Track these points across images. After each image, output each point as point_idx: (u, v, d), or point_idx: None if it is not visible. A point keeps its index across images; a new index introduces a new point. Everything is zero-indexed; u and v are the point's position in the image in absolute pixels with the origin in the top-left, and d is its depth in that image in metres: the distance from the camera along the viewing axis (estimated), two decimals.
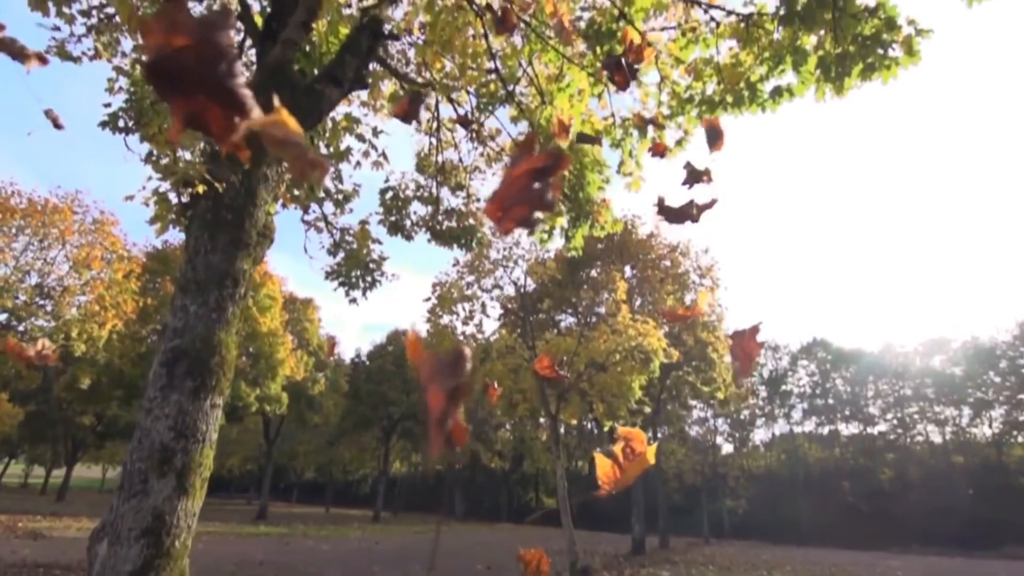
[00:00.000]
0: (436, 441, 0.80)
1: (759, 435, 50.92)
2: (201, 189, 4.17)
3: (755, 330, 2.25)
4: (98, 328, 23.56)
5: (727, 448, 47.72)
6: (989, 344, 42.96)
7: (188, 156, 7.22)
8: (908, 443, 46.48)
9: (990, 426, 43.32)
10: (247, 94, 0.82)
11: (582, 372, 13.30)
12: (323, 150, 9.22)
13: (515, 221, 1.05)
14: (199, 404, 3.86)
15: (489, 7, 7.01)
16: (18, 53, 1.73)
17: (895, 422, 47.69)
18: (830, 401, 50.48)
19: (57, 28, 8.21)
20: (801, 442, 48.55)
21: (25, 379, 30.46)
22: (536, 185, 0.99)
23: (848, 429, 49.78)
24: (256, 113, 0.81)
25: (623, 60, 4.55)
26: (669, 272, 19.83)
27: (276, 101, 0.79)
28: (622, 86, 4.65)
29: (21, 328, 25.19)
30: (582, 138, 6.82)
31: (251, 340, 26.41)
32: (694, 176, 3.31)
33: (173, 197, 4.71)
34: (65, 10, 7.76)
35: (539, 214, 1.03)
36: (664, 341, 12.99)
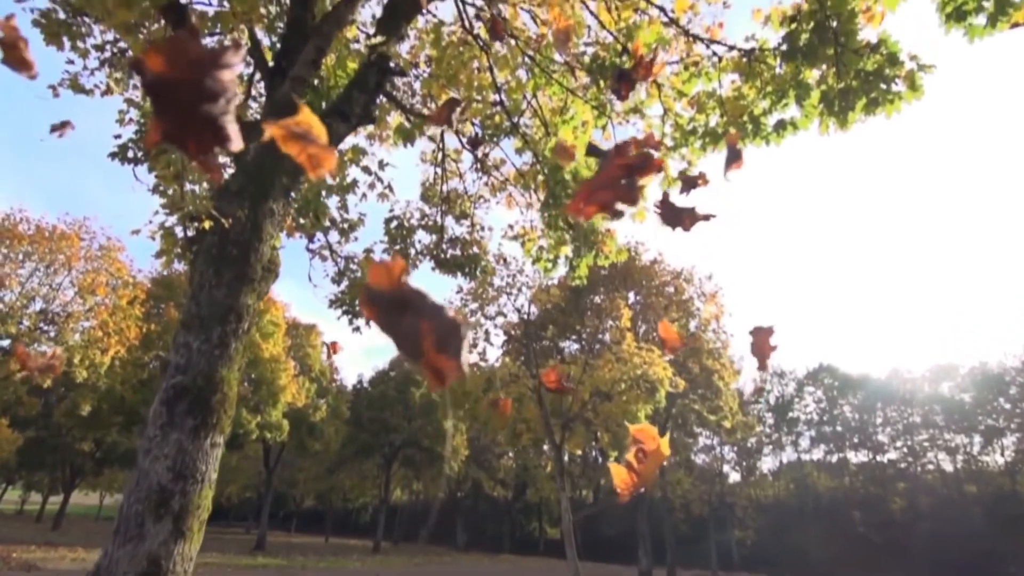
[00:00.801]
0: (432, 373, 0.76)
1: (767, 463, 50.04)
2: (207, 224, 4.18)
3: (770, 331, 2.27)
4: (100, 354, 23.49)
5: (734, 477, 46.85)
6: (998, 370, 42.44)
7: (196, 189, 7.28)
8: (919, 472, 45.59)
9: (1002, 454, 42.51)
10: (235, 130, 0.82)
11: (587, 401, 13.14)
12: (329, 181, 9.30)
13: (599, 206, 1.07)
14: (199, 443, 3.79)
15: (493, 23, 7.14)
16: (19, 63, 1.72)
17: (905, 450, 46.88)
18: (838, 428, 49.74)
19: (71, 62, 8.40)
20: (810, 470, 47.66)
21: (26, 405, 30.31)
22: (624, 181, 1.03)
23: (857, 457, 48.93)
24: (238, 145, 0.81)
25: (630, 73, 4.58)
26: (673, 298, 19.76)
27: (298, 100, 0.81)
28: (625, 96, 4.72)
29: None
30: (591, 151, 6.92)
31: (253, 366, 26.30)
32: (689, 183, 3.34)
33: (179, 231, 4.72)
34: (79, 44, 7.93)
35: (623, 206, 1.07)
36: (670, 370, 12.87)
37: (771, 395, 51.62)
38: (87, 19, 7.64)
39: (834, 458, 49.51)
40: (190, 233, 4.62)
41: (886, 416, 48.60)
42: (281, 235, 5.23)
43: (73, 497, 43.21)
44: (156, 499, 3.56)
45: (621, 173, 1.00)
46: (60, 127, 7.31)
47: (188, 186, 4.76)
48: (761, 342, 2.14)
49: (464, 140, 8.83)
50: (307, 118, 0.73)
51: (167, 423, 3.78)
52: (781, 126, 6.04)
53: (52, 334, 25.24)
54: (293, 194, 5.14)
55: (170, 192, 4.35)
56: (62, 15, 7.34)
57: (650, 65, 4.99)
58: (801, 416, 50.52)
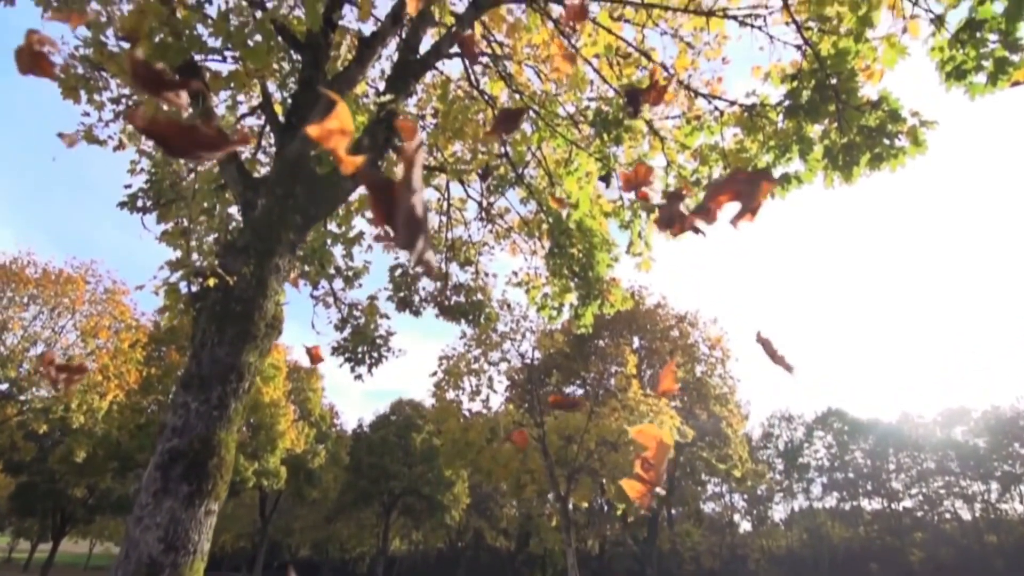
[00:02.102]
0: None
1: (778, 512, 48.44)
2: (212, 282, 4.14)
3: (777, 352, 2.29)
4: (99, 399, 23.23)
5: (745, 526, 45.28)
6: (1011, 414, 41.59)
7: (204, 238, 7.31)
8: (936, 521, 44.04)
9: (1021, 502, 41.13)
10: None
11: (593, 450, 12.80)
12: (334, 229, 9.36)
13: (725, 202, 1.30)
14: (193, 512, 3.63)
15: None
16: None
17: (920, 498, 45.44)
18: (850, 474, 48.39)
19: (86, 114, 8.61)
20: (823, 519, 46.07)
21: (21, 450, 29.78)
22: (743, 189, 1.27)
23: (871, 505, 47.39)
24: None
25: (641, 94, 4.60)
26: (678, 343, 19.57)
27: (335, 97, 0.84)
28: (634, 115, 4.74)
29: (22, 398, 24.93)
30: (603, 179, 7.05)
31: (252, 411, 25.93)
32: (675, 197, 3.37)
33: (183, 286, 4.68)
34: (96, 97, 8.14)
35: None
36: (677, 419, 12.58)
37: (779, 440, 50.52)
38: (104, 73, 7.87)
39: (847, 506, 47.97)
40: (194, 289, 4.58)
41: (899, 462, 47.38)
42: (285, 287, 5.20)
43: (63, 545, 41.89)
44: (146, 572, 3.38)
45: (741, 185, 1.24)
46: (70, 136, 7.42)
47: (194, 241, 4.75)
48: (775, 356, 2.16)
49: (478, 173, 8.89)
50: (343, 116, 0.79)
51: (161, 489, 3.64)
52: (786, 180, 6.07)
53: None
54: (299, 249, 5.13)
55: (177, 251, 4.34)
56: (80, 70, 7.57)
57: (663, 90, 5.04)
58: (811, 462, 49.27)
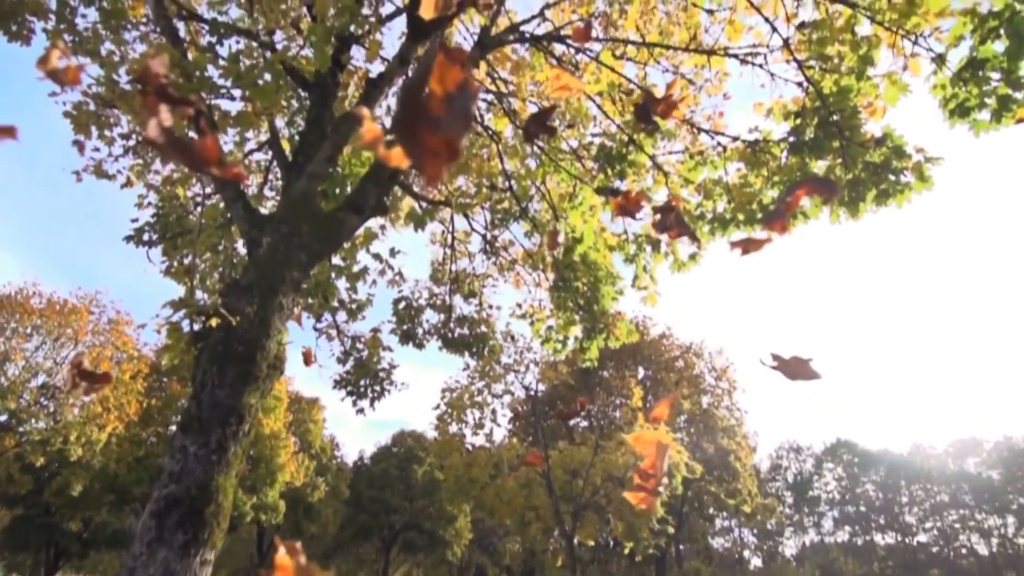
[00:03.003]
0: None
1: (789, 548, 47.12)
2: (215, 322, 4.09)
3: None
4: (98, 431, 22.97)
5: (755, 562, 43.99)
6: None
7: (209, 275, 7.31)
8: (952, 556, 42.73)
9: None
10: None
11: (599, 486, 12.51)
12: (339, 262, 9.36)
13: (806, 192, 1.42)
14: (188, 562, 3.50)
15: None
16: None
17: (935, 532, 44.22)
18: (861, 508, 47.24)
19: (97, 149, 8.72)
20: (835, 555, 44.75)
21: (17, 483, 29.36)
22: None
23: (884, 539, 46.11)
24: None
25: (651, 107, 4.59)
26: (683, 374, 19.34)
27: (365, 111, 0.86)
28: (646, 125, 4.73)
29: (21, 429, 24.68)
30: (602, 191, 7.02)
31: (252, 443, 25.59)
32: (667, 208, 3.42)
33: (186, 325, 4.63)
34: (107, 133, 8.27)
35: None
36: (685, 454, 12.31)
37: (788, 472, 49.52)
38: (116, 110, 8.00)
39: (860, 540, 46.68)
40: (196, 327, 4.53)
41: (911, 494, 46.30)
42: (288, 324, 5.15)
43: None
44: None
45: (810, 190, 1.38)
46: (79, 145, 7.49)
47: (197, 280, 4.72)
48: (792, 367, 2.11)
49: (471, 226, 8.89)
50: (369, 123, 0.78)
51: (156, 539, 3.51)
52: (791, 215, 6.06)
53: (51, 409, 24.84)
54: (303, 285, 5.10)
55: (181, 288, 4.31)
56: (92, 107, 7.70)
57: (674, 104, 5.04)
58: (822, 495, 48.19)
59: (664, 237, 8.03)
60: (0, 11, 6.74)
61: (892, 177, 5.32)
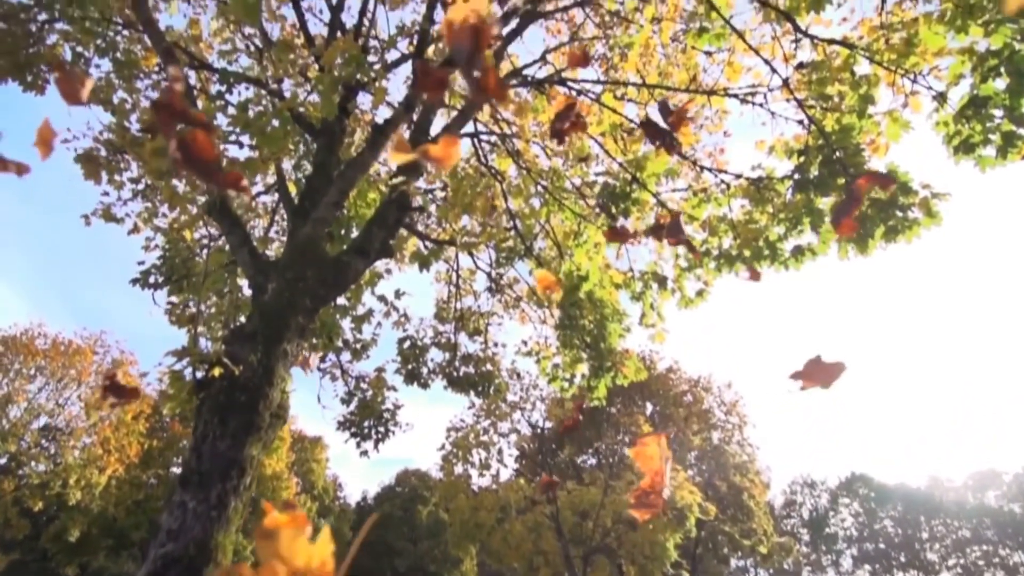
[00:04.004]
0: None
1: None
2: (218, 371, 4.02)
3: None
4: (98, 473, 22.61)
5: None
6: None
7: (213, 323, 7.27)
8: None
9: None
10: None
11: (610, 528, 12.11)
12: (343, 302, 9.33)
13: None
14: None
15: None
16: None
17: (959, 570, 42.56)
18: (880, 545, 45.66)
19: (106, 193, 8.83)
20: None
21: (14, 527, 28.77)
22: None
23: None
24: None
25: (669, 114, 4.54)
26: (692, 409, 19.00)
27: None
28: (661, 146, 4.71)
29: (21, 472, 24.33)
30: (602, 207, 7.01)
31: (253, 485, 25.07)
32: (657, 228, 3.46)
33: (189, 373, 4.56)
34: (116, 178, 8.38)
35: None
36: (698, 494, 11.96)
37: (803, 508, 48.12)
38: (126, 155, 8.13)
39: None
40: (199, 374, 4.46)
41: (932, 530, 44.80)
42: (291, 371, 5.07)
43: None
44: None
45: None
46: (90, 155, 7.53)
47: (201, 327, 4.68)
48: (817, 372, 2.03)
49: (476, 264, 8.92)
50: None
51: None
52: (799, 252, 6.02)
53: (52, 451, 24.54)
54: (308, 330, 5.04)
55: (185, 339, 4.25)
56: (103, 152, 7.82)
57: (682, 116, 5.01)
58: (839, 531, 46.65)
59: (671, 274, 8.00)
60: (16, 63, 6.91)
61: (899, 213, 5.29)
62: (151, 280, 8.96)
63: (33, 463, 23.99)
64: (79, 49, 7.05)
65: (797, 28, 5.78)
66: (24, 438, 23.89)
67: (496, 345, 10.89)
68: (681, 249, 7.76)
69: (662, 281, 7.66)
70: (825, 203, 6.03)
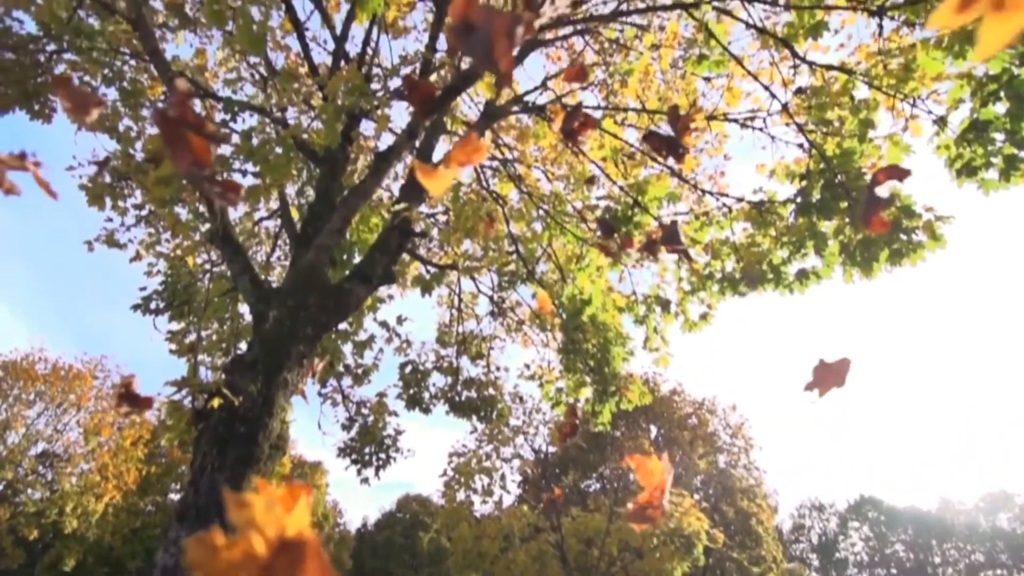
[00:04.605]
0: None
1: None
2: (217, 403, 3.96)
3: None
4: (95, 501, 22.29)
5: None
6: None
7: (213, 352, 7.22)
8: None
9: None
10: None
11: (616, 557, 11.83)
12: (345, 326, 9.28)
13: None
14: None
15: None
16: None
17: None
18: (893, 570, 44.66)
19: (109, 219, 8.86)
20: None
21: (9, 556, 28.31)
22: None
23: None
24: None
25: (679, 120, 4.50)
26: (697, 432, 18.76)
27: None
28: (666, 156, 4.67)
29: (17, 500, 24.00)
30: (604, 228, 6.99)
31: None
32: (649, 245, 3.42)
33: (188, 403, 4.50)
34: (120, 204, 8.42)
35: None
36: (705, 521, 11.71)
37: (812, 532, 47.20)
38: (130, 182, 8.18)
39: None
40: (198, 404, 4.40)
41: (944, 554, 43.86)
42: (292, 402, 5.00)
43: None
44: None
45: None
46: (102, 164, 7.53)
47: (203, 356, 4.63)
48: (829, 373, 1.93)
49: (478, 288, 8.90)
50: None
51: None
52: (804, 276, 5.98)
53: (49, 477, 24.24)
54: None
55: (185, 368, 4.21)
56: (108, 179, 7.88)
57: (688, 121, 4.99)
58: (849, 556, 45.69)
59: (674, 297, 7.96)
60: (24, 91, 7.00)
61: (904, 236, 5.27)
62: (152, 306, 8.94)
63: (29, 490, 23.68)
64: (86, 78, 7.14)
65: (795, 54, 5.84)
66: (21, 464, 23.63)
67: (498, 369, 10.79)
68: (684, 272, 7.74)
69: (665, 305, 7.61)
70: (828, 227, 6.02)
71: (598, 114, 7.64)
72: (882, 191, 5.24)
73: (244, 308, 8.39)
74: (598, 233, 8.09)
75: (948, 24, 0.79)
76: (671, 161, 7.48)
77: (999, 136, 4.78)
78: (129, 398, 2.44)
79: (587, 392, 9.05)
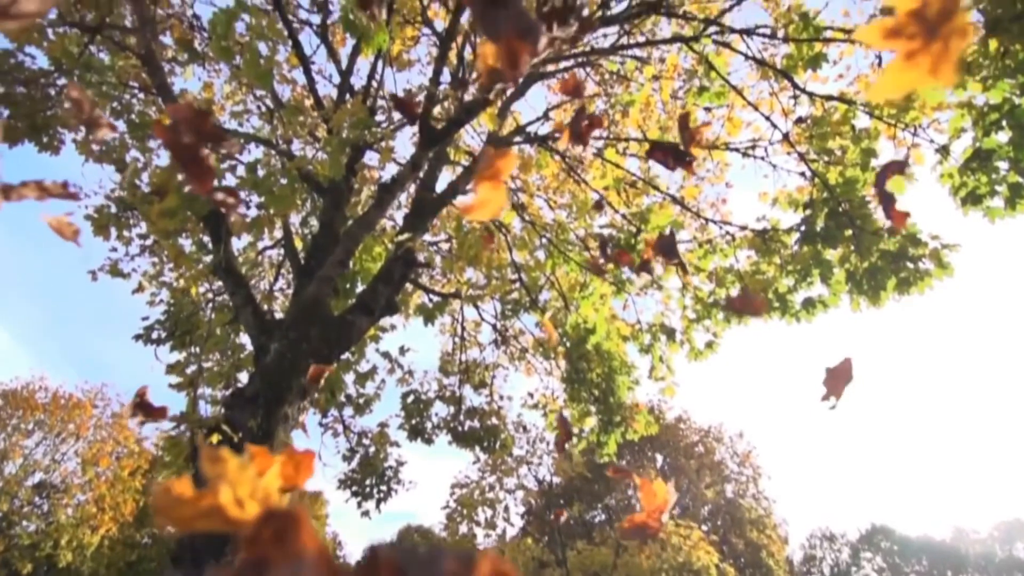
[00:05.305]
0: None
1: None
2: (216, 439, 3.88)
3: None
4: (90, 533, 21.84)
5: None
6: None
7: (214, 385, 7.16)
8: None
9: None
10: None
11: None
12: (348, 356, 9.20)
13: None
14: None
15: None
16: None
17: None
18: None
19: (114, 249, 8.89)
20: None
21: None
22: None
23: None
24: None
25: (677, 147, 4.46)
26: (704, 460, 18.42)
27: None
28: (673, 166, 4.62)
29: (12, 532, 23.55)
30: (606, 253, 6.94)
31: None
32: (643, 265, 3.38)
33: (187, 438, 4.42)
34: (125, 234, 8.46)
35: None
36: (715, 554, 11.38)
37: (823, 563, 45.90)
38: (135, 212, 8.23)
39: None
40: (197, 441, 4.31)
41: None
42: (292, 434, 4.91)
43: None
44: None
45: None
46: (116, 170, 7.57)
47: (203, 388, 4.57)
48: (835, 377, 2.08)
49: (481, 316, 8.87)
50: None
51: None
52: (810, 304, 5.93)
53: (44, 509, 23.81)
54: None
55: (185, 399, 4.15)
56: (113, 209, 7.93)
57: (696, 134, 4.96)
58: None
59: (679, 326, 7.89)
60: (34, 125, 7.10)
61: (910, 265, 5.23)
62: (154, 336, 8.90)
63: (24, 522, 23.26)
64: (96, 112, 7.23)
65: (795, 85, 5.90)
66: (17, 496, 23.26)
67: (502, 398, 10.67)
68: (688, 299, 7.69)
69: (670, 333, 7.54)
70: (833, 255, 5.99)
71: (600, 143, 7.71)
72: (884, 217, 5.12)
73: (246, 338, 8.35)
74: (601, 260, 8.08)
75: (889, 94, 0.82)
76: (678, 171, 7.52)
77: (1003, 165, 4.78)
78: (144, 408, 2.48)
79: (592, 422, 8.91)
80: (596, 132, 7.86)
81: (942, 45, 0.75)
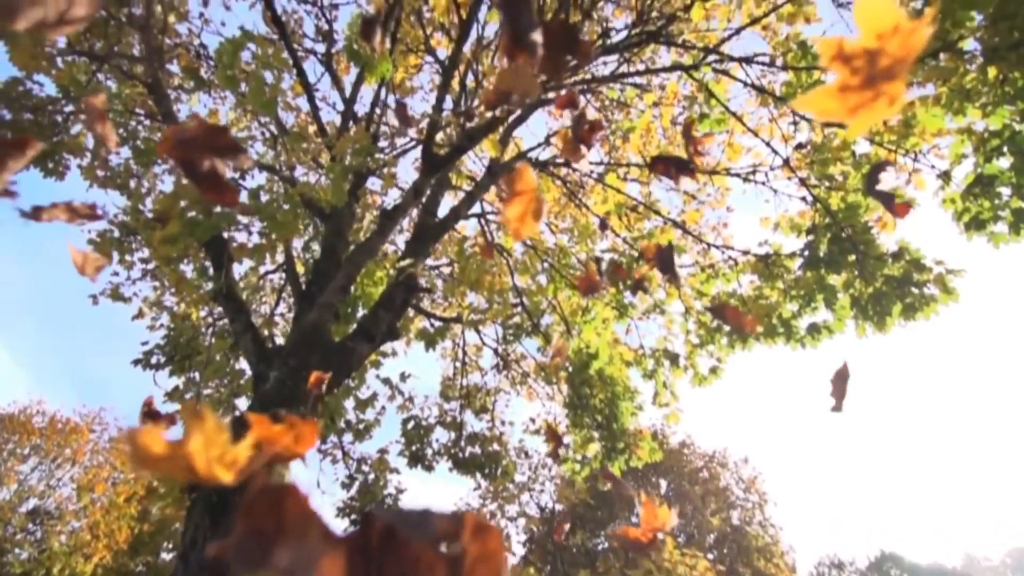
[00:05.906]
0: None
1: None
2: None
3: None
4: (83, 562, 21.41)
5: None
6: None
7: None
8: None
9: None
10: None
11: None
12: (347, 381, 9.11)
13: None
14: None
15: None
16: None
17: None
18: None
19: (116, 273, 8.89)
20: None
21: None
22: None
23: None
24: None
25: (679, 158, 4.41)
26: (708, 486, 18.12)
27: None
28: (676, 177, 4.55)
29: (5, 559, 23.10)
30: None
31: None
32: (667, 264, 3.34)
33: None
34: (127, 257, 8.47)
35: None
36: None
37: None
38: (138, 236, 8.25)
39: None
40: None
41: None
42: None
43: None
44: None
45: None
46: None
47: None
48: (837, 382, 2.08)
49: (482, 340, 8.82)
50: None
51: None
52: (815, 330, 5.88)
53: (38, 535, 23.39)
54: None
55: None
56: (116, 234, 7.95)
57: (700, 143, 4.92)
58: None
59: (682, 351, 7.82)
60: (41, 151, 7.16)
61: (915, 291, 5.19)
62: (153, 361, 8.84)
63: (17, 550, 22.82)
64: (107, 125, 7.32)
65: (794, 111, 5.95)
66: (11, 523, 22.88)
67: (503, 424, 10.54)
68: (692, 324, 7.63)
69: (674, 358, 7.47)
70: (837, 280, 5.96)
71: (600, 169, 7.76)
72: (889, 241, 5.15)
73: (245, 364, 8.28)
74: (604, 285, 8.06)
75: (824, 112, 0.80)
76: (679, 196, 7.53)
77: (1005, 190, 4.78)
78: (152, 416, 2.50)
79: (595, 448, 8.77)
80: (596, 145, 7.91)
81: (874, 95, 0.76)
